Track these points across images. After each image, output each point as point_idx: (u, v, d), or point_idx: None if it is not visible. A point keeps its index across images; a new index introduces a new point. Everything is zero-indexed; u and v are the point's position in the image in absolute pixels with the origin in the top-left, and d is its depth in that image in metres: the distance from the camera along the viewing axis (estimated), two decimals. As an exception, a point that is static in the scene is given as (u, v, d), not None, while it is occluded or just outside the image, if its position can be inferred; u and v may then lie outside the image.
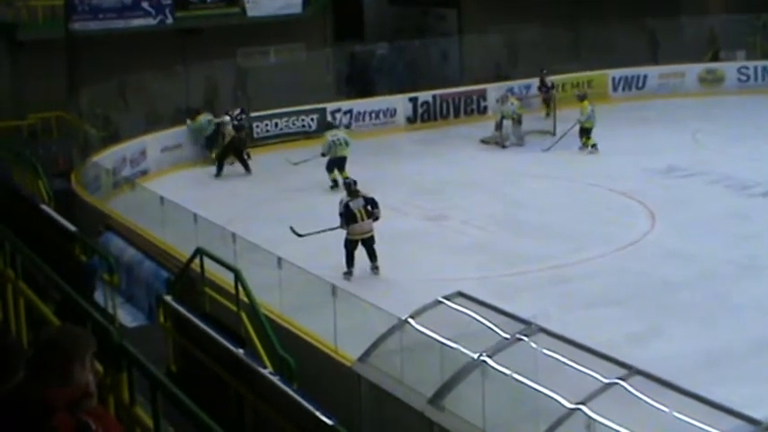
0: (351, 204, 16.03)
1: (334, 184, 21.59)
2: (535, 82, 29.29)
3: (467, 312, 9.83)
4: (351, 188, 16.37)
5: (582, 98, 25.06)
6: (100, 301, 10.87)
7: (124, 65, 24.42)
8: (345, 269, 15.81)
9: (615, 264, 16.66)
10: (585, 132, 24.31)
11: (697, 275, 15.79)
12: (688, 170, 22.15)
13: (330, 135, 22.58)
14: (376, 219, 16.12)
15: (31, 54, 25.70)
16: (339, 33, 30.87)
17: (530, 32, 31.44)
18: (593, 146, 24.13)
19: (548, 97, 27.89)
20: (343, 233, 16.16)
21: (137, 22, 25.98)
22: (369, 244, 16.07)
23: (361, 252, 16.19)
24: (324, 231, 16.21)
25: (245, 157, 24.06)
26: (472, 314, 9.75)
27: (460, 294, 10.28)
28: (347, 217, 15.95)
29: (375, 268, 16.01)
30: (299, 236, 16.24)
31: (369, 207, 16.11)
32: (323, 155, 22.18)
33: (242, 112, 25.11)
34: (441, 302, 10.19)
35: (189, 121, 24.67)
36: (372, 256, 16.06)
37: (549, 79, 28.19)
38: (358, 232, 15.98)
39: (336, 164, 22.05)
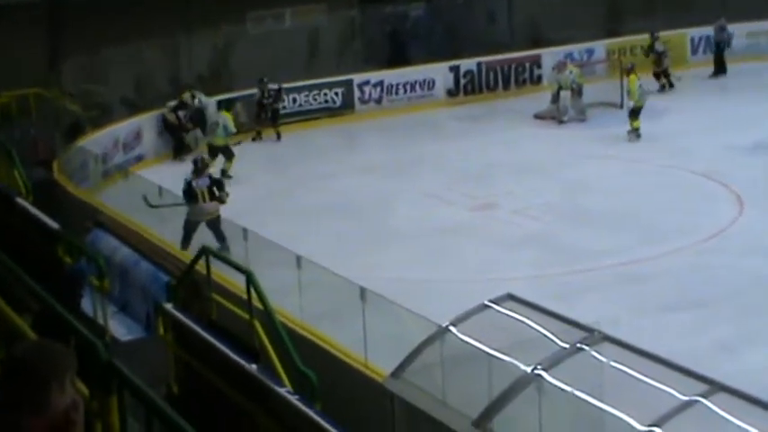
0: (193, 183, 17.01)
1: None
2: (600, 45, 29.16)
3: (519, 318, 9.80)
4: (197, 166, 17.33)
5: (630, 71, 24.76)
6: (88, 310, 10.90)
7: (115, 33, 24.50)
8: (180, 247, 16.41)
9: (696, 258, 16.57)
10: (634, 114, 23.96)
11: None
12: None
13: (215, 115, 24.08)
14: (221, 202, 17.02)
15: (4, 20, 25.79)
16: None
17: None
18: (636, 131, 23.78)
19: (659, 68, 28.13)
20: None
21: (129, -18, 26.01)
22: (214, 225, 16.88)
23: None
24: (171, 206, 17.21)
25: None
26: (525, 320, 9.72)
27: (511, 297, 10.25)
28: (188, 196, 16.98)
29: (225, 249, 16.21)
30: (151, 206, 17.31)
31: (214, 188, 17.06)
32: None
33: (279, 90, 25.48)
34: (488, 307, 10.17)
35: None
36: (220, 237, 16.72)
37: (661, 45, 28.45)
38: (198, 213, 16.93)
39: (211, 152, 22.72)
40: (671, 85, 27.69)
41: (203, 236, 15.54)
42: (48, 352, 3.94)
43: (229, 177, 21.70)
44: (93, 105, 24.37)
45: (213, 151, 22.73)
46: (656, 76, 28.03)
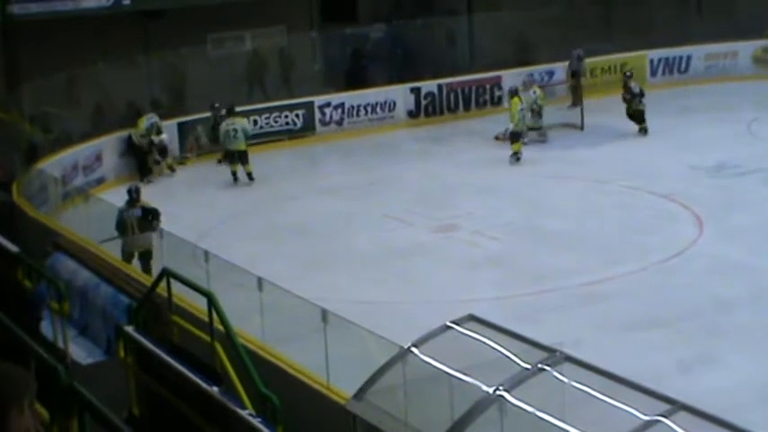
0: (124, 214, 16.83)
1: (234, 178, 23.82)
2: (561, 67, 29.39)
3: (480, 339, 9.81)
4: (131, 196, 17.07)
5: (513, 93, 25.06)
6: (48, 334, 10.86)
7: (74, 55, 24.41)
8: None
9: (657, 279, 16.68)
10: (514, 137, 24.06)
11: (754, 292, 15.77)
12: (742, 167, 22.18)
13: (225, 124, 24.14)
14: (154, 230, 16.69)
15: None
16: (327, 14, 30.86)
17: (553, 9, 31.44)
18: (516, 154, 23.91)
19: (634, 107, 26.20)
20: None
21: (88, 3, 25.97)
22: (144, 259, 16.65)
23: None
24: (107, 241, 16.90)
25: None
26: (487, 341, 9.74)
27: (473, 318, 10.26)
28: (120, 227, 16.82)
29: None
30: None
31: (149, 218, 16.78)
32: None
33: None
34: (450, 328, 10.17)
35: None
36: (147, 272, 16.21)
37: (637, 86, 26.40)
38: (132, 244, 16.76)
39: (231, 158, 23.86)
40: (645, 132, 25.67)
41: (170, 256, 15.36)
42: (6, 376, 3.92)
43: (252, 180, 23.39)
44: (52, 128, 24.25)
45: (232, 156, 23.82)
46: (631, 117, 26.03)
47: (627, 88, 26.17)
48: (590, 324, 14.73)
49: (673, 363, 13.27)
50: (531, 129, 25.38)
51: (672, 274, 16.88)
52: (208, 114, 25.61)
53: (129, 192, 17.18)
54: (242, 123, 24.26)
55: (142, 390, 10.07)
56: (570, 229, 19.21)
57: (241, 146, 23.83)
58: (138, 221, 16.69)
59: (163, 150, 24.87)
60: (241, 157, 23.76)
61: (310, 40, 30.57)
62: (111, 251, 16.38)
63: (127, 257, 16.64)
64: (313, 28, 30.58)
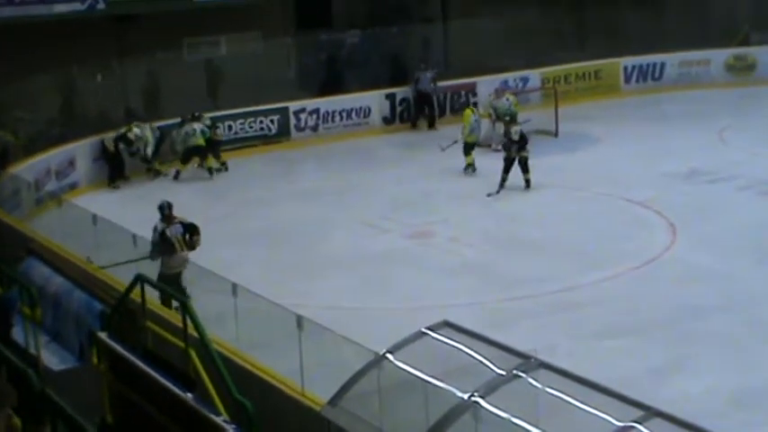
0: (167, 232, 15.72)
1: (176, 175, 24.70)
2: (533, 74, 29.49)
3: (455, 345, 9.81)
4: (165, 212, 16.00)
5: (466, 105, 25.42)
6: (19, 340, 10.79)
7: (47, 59, 24.30)
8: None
9: (630, 286, 16.72)
10: (467, 149, 23.99)
11: (727, 298, 15.84)
12: (714, 174, 22.29)
13: (185, 128, 24.78)
14: (193, 248, 15.78)
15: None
16: (302, 20, 30.85)
17: (527, 16, 31.52)
18: (471, 166, 23.85)
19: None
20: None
21: (61, 7, 25.84)
22: (179, 279, 15.48)
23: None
24: (130, 262, 15.25)
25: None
26: (461, 347, 9.74)
27: (447, 324, 10.26)
28: (164, 247, 15.65)
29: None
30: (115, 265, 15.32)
31: (187, 235, 15.80)
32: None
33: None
34: (425, 334, 10.17)
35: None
36: (182, 291, 14.91)
37: (517, 130, 22.68)
38: (176, 265, 15.57)
39: (192, 153, 24.62)
40: (528, 184, 22.19)
41: (144, 262, 15.27)
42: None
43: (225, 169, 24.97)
44: (22, 132, 24.14)
45: (188, 154, 24.61)
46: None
47: (507, 134, 23.51)
48: (563, 331, 14.76)
49: (645, 369, 13.32)
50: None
51: (645, 281, 16.92)
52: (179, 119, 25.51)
53: (162, 208, 16.04)
54: (200, 125, 24.76)
55: (115, 396, 10.01)
56: (544, 235, 19.24)
57: (199, 141, 24.55)
58: (182, 237, 15.70)
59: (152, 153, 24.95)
60: (199, 151, 24.64)
61: (285, 46, 30.51)
62: (86, 253, 16.29)
63: (169, 281, 15.07)
64: (288, 34, 30.49)
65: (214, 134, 25.21)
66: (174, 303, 13.65)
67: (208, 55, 29.33)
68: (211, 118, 25.65)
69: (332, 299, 16.19)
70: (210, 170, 24.75)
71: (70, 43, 25.11)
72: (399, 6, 33.67)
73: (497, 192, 21.85)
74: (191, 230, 15.83)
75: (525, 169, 22.02)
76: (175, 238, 15.68)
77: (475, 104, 25.47)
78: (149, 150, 24.75)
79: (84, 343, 13.04)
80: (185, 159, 24.80)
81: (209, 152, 25.04)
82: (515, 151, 22.07)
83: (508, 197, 21.76)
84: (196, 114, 25.13)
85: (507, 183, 21.92)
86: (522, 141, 22.19)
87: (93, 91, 26.04)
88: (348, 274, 17.70)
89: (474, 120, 24.32)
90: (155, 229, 15.89)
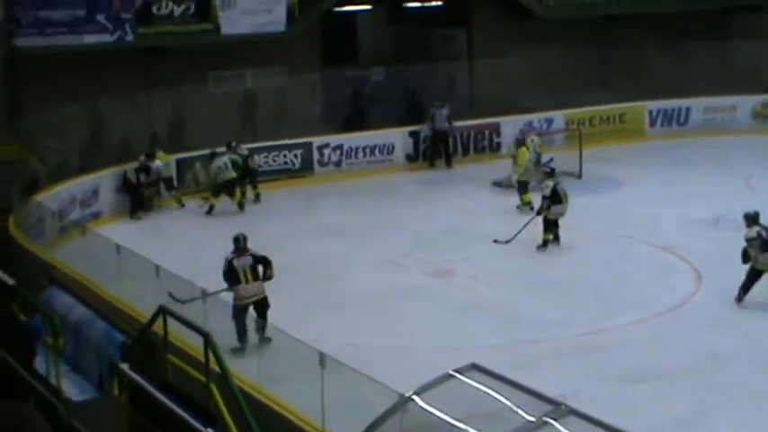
0: (234, 262, 15.89)
1: (210, 210, 24.54)
2: (559, 115, 29.41)
3: (484, 389, 9.68)
4: (238, 244, 16.13)
5: (521, 142, 24.81)
6: (40, 369, 10.72)
7: (76, 88, 24.41)
8: (237, 344, 15.09)
9: (654, 331, 16.56)
10: (522, 187, 23.75)
11: (752, 348, 15.70)
12: (740, 221, 22.04)
13: (216, 162, 24.67)
14: (268, 278, 16.00)
15: (-36, 73, 25.68)
16: (329, 56, 30.88)
17: (552, 57, 31.50)
18: (529, 204, 23.19)
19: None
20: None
21: (91, 38, 25.91)
22: (260, 309, 15.76)
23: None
24: (211, 295, 15.33)
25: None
26: (490, 391, 9.60)
27: (475, 367, 10.13)
28: (231, 277, 15.83)
29: (263, 339, 15.08)
30: (181, 302, 14.78)
31: (258, 266, 15.96)
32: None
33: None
34: (452, 376, 10.03)
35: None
36: (261, 325, 15.43)
37: (549, 184, 21.10)
38: (243, 296, 15.78)
39: (223, 188, 24.55)
40: (554, 241, 21.03)
41: (166, 294, 15.17)
42: (15, 415, 3.83)
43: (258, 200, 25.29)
44: (50, 161, 24.20)
45: (220, 188, 24.46)
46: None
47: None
48: (586, 375, 14.61)
49: (669, 418, 13.18)
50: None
51: (669, 327, 16.76)
52: (207, 151, 25.48)
53: (237, 240, 16.17)
54: (230, 156, 24.77)
55: (135, 429, 9.94)
56: (566, 278, 19.12)
57: (231, 174, 24.46)
58: (251, 269, 15.88)
59: (169, 183, 24.97)
60: (229, 186, 24.48)
61: (311, 82, 30.54)
62: (107, 283, 16.24)
63: (243, 312, 15.63)
64: (314, 70, 30.53)
65: (252, 162, 25.23)
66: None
67: (234, 88, 29.32)
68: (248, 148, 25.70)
69: (353, 336, 16.07)
70: (241, 205, 24.63)
71: (99, 73, 25.22)
72: (425, 44, 33.75)
73: (507, 241, 20.88)
74: (263, 263, 16.02)
75: (555, 225, 20.94)
76: (242, 269, 15.81)
77: (524, 142, 24.90)
78: (169, 179, 24.90)
79: (104, 373, 13.01)
80: (217, 193, 24.61)
81: (245, 183, 25.04)
82: (545, 209, 20.82)
83: (530, 237, 21.60)
84: (233, 144, 25.11)
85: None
86: (555, 197, 20.84)
87: (120, 121, 26.04)
88: (369, 311, 17.59)
89: (528, 159, 24.20)
90: (226, 259, 16.07)
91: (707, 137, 30.39)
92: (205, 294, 15.24)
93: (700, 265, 19.34)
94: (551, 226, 20.87)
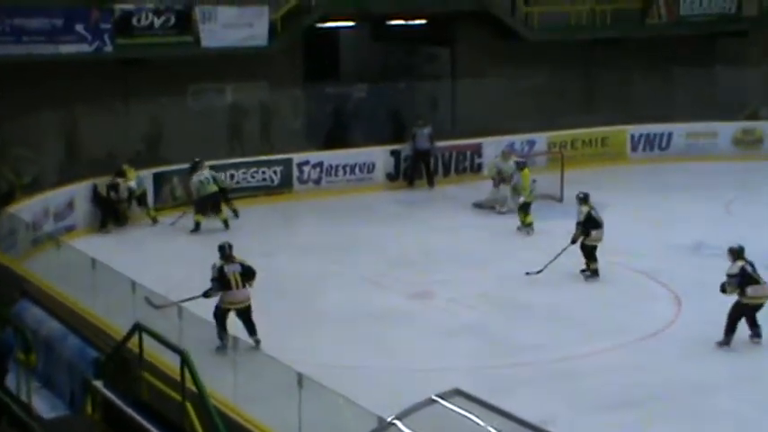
0: (225, 269, 16.46)
1: (196, 228, 24.15)
2: (541, 137, 29.48)
3: (468, 416, 9.62)
4: (225, 252, 16.77)
5: (523, 166, 24.93)
6: (10, 385, 10.64)
7: (52, 98, 24.28)
8: (219, 343, 15.31)
9: (633, 358, 16.55)
10: (524, 208, 24.00)
11: (733, 376, 15.71)
12: (721, 247, 22.05)
13: (195, 176, 24.47)
14: (251, 287, 16.64)
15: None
16: (310, 72, 30.88)
17: (535, 78, 31.59)
18: (530, 225, 23.85)
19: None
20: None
21: (69, 48, 25.80)
22: (245, 315, 16.47)
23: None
24: (189, 300, 15.98)
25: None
26: (474, 418, 9.55)
27: (459, 392, 10.07)
28: (221, 283, 16.39)
29: (257, 342, 16.23)
30: (156, 308, 15.53)
31: (247, 274, 16.63)
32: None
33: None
34: (435, 401, 9.97)
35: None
36: (251, 329, 16.39)
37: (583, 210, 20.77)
38: (231, 301, 16.42)
39: (207, 202, 24.33)
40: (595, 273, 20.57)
41: (142, 309, 15.11)
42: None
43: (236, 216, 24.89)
44: (25, 171, 24.07)
45: (202, 204, 24.23)
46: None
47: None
48: (564, 401, 14.60)
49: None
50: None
51: (648, 353, 16.76)
52: (185, 166, 25.38)
53: (222, 248, 16.78)
54: (206, 173, 24.63)
55: (108, 447, 9.88)
56: (546, 302, 19.11)
57: (213, 188, 24.35)
58: (240, 276, 16.47)
59: (141, 199, 24.84)
60: (211, 199, 24.31)
61: (293, 97, 30.51)
62: (82, 298, 16.15)
63: (225, 315, 16.35)
64: (296, 85, 30.50)
65: (222, 182, 25.13)
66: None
67: (213, 102, 29.27)
68: (212, 167, 25.40)
69: (330, 356, 16.01)
70: (226, 223, 24.33)
71: (75, 83, 25.11)
72: (408, 63, 33.81)
73: (538, 271, 20.35)
74: (248, 273, 16.60)
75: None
76: (233, 275, 16.42)
77: (525, 165, 25.19)
78: (142, 197, 24.77)
79: (75, 390, 12.88)
80: (202, 210, 24.33)
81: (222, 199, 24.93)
82: (582, 235, 20.42)
83: (510, 260, 21.63)
84: (197, 161, 24.93)
85: (512, 240, 21.40)
86: (592, 223, 20.40)
87: (97, 133, 25.92)
88: (346, 332, 17.55)
89: (532, 180, 24.28)
90: (213, 266, 16.59)
91: (688, 162, 30.58)
92: (181, 300, 15.60)
93: (680, 291, 19.41)
94: (593, 251, 20.47)
